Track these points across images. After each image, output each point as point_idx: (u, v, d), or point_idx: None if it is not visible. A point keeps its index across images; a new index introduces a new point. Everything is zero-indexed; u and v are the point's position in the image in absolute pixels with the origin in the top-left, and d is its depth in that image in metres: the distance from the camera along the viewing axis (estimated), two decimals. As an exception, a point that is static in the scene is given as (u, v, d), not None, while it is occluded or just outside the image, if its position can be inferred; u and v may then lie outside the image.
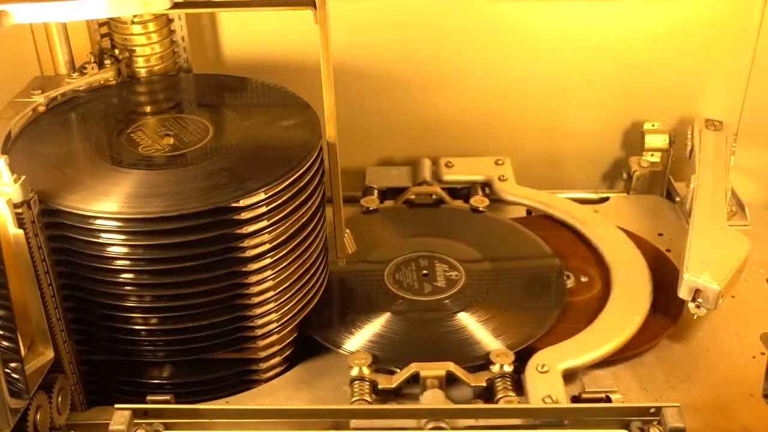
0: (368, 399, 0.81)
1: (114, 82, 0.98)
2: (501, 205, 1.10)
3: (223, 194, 0.78)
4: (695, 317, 0.87)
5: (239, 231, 0.79)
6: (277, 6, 0.89)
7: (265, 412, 0.72)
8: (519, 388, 0.82)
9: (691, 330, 0.91)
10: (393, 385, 0.82)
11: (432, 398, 0.81)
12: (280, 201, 0.80)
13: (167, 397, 0.73)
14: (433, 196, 1.09)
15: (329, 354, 0.88)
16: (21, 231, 0.72)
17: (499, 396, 0.81)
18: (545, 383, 0.81)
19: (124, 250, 0.77)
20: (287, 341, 0.87)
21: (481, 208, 1.07)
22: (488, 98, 1.16)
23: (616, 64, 1.13)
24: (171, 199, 0.78)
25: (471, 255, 0.98)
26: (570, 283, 0.95)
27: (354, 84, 1.08)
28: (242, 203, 0.78)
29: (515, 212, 1.09)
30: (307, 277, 0.87)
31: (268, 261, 0.81)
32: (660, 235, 1.06)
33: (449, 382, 0.82)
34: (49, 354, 0.76)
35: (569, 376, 0.83)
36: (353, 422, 0.73)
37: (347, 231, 0.92)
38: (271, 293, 0.83)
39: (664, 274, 0.95)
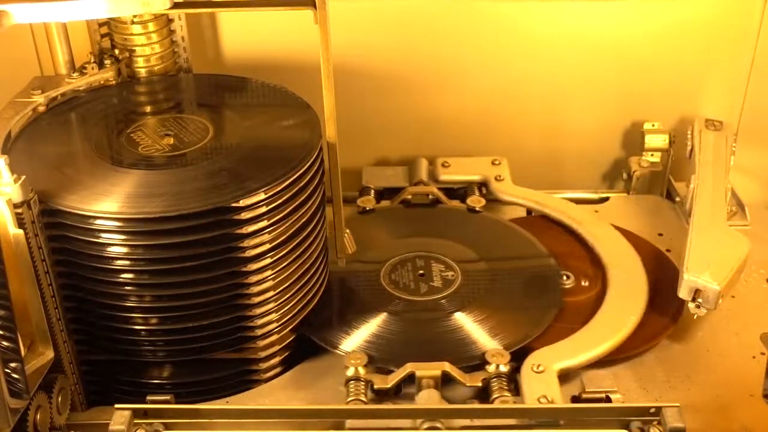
0: (364, 399, 0.81)
1: (114, 82, 0.98)
2: (498, 205, 1.10)
3: (223, 194, 0.78)
4: (695, 317, 0.87)
5: (239, 231, 0.79)
6: (277, 6, 0.89)
7: (264, 412, 0.72)
8: (515, 388, 0.82)
9: (691, 330, 0.91)
10: (389, 385, 0.82)
11: (427, 398, 0.81)
12: (280, 201, 0.80)
13: (167, 397, 0.73)
14: (430, 196, 1.09)
15: (329, 354, 0.88)
16: (21, 231, 0.72)
17: (495, 396, 0.81)
18: (541, 383, 0.80)
19: (124, 250, 0.77)
20: (287, 341, 0.87)
21: (477, 208, 1.07)
22: (488, 98, 1.16)
23: (616, 64, 1.13)
24: (171, 199, 0.78)
25: (467, 255, 0.98)
26: (570, 283, 0.95)
27: (354, 84, 1.08)
28: (242, 203, 0.78)
29: (512, 212, 1.09)
30: (307, 277, 0.87)
31: (268, 261, 0.81)
32: (660, 235, 1.06)
33: (445, 382, 0.82)
34: (49, 354, 0.76)
35: (570, 375, 0.83)
36: (348, 422, 0.74)
37: (347, 231, 0.92)
38: (271, 293, 0.83)
39: (664, 274, 0.95)
